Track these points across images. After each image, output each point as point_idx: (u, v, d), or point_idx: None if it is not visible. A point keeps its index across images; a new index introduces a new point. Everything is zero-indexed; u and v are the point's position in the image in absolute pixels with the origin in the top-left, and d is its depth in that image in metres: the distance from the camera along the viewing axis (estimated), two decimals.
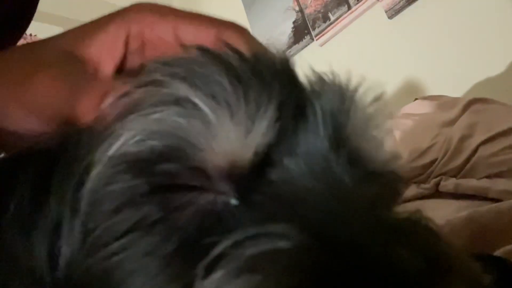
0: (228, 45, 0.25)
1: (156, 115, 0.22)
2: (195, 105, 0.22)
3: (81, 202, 0.21)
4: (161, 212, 0.21)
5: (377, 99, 0.27)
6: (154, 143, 0.22)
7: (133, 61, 0.29)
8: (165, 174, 0.22)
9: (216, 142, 0.22)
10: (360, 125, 0.26)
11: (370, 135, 0.27)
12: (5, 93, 0.27)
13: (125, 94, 0.24)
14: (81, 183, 0.22)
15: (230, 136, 0.22)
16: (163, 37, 0.29)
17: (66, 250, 0.22)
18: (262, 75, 0.23)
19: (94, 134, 0.23)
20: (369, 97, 0.27)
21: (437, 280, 0.18)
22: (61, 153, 0.24)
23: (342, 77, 0.27)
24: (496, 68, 1.28)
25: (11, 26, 0.40)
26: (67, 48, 0.28)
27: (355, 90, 0.26)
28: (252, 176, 0.22)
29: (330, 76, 0.27)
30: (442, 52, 1.44)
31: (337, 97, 0.25)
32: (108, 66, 0.28)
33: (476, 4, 1.37)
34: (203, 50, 0.24)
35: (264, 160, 0.23)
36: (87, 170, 0.22)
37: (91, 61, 0.28)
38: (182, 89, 0.22)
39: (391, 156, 0.29)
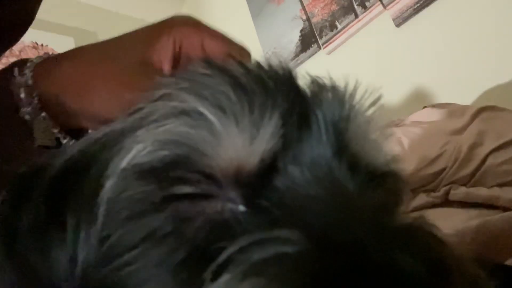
0: (233, 58, 0.26)
1: (166, 127, 0.23)
2: (202, 115, 0.23)
3: (98, 212, 0.22)
4: (172, 224, 0.22)
5: (376, 102, 0.28)
6: (164, 152, 0.22)
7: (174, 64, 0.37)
8: (176, 180, 0.22)
9: (223, 149, 0.22)
10: (360, 129, 0.27)
11: (370, 138, 0.28)
12: (106, 84, 0.35)
13: (136, 109, 0.25)
14: (96, 195, 0.23)
15: (236, 143, 0.23)
16: (194, 45, 0.37)
17: (82, 258, 0.22)
18: (266, 85, 0.24)
19: (107, 149, 0.24)
20: (367, 101, 0.28)
21: (438, 286, 0.18)
22: (74, 167, 0.25)
23: (341, 82, 0.28)
24: (505, 76, 1.27)
25: (2, 35, 0.42)
26: (140, 57, 0.36)
27: (354, 94, 0.27)
28: (258, 183, 0.23)
29: (329, 82, 0.28)
30: (450, 59, 1.43)
31: (337, 104, 0.26)
32: (167, 68, 0.37)
33: (484, 11, 1.37)
34: (208, 63, 0.26)
35: (270, 167, 0.23)
36: (102, 182, 0.23)
37: (156, 66, 0.36)
38: (189, 101, 0.23)
39: (391, 158, 0.30)
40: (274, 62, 0.27)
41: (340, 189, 0.23)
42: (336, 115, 0.26)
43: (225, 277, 0.19)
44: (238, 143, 0.23)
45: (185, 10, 2.53)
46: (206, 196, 0.23)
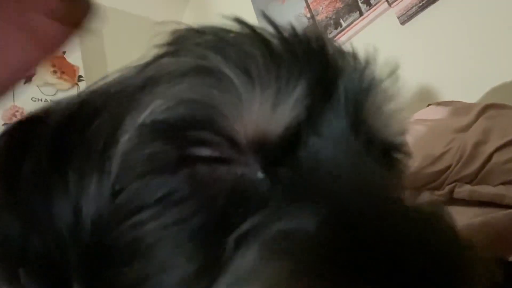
0: (266, 17, 0.25)
1: (187, 84, 0.22)
2: (226, 76, 0.22)
3: (111, 164, 0.22)
4: (190, 186, 0.21)
5: (393, 72, 0.28)
6: (184, 110, 0.22)
7: None
8: (196, 141, 0.22)
9: (246, 114, 0.22)
10: (377, 102, 0.26)
11: (386, 109, 0.27)
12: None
13: (155, 60, 0.24)
14: (108, 148, 0.22)
15: (259, 110, 0.22)
16: None
17: (93, 211, 0.22)
18: (295, 52, 0.24)
19: (121, 103, 0.23)
20: (385, 71, 0.28)
21: (449, 278, 0.18)
22: (77, 118, 0.24)
23: (360, 53, 0.27)
24: (511, 73, 1.26)
25: None
26: None
27: (373, 66, 0.27)
28: (280, 152, 0.22)
29: (350, 52, 0.27)
30: (455, 57, 1.42)
31: (358, 75, 0.26)
32: None
33: (489, 9, 1.36)
34: (237, 20, 0.25)
35: (292, 137, 0.23)
36: (116, 136, 0.22)
37: None
38: (214, 59, 0.22)
39: (403, 129, 0.30)
40: (308, 29, 0.26)
41: (358, 165, 0.22)
42: (357, 87, 0.25)
43: (244, 250, 0.19)
44: (262, 110, 0.22)
45: (189, 8, 2.53)
46: (225, 161, 0.22)
